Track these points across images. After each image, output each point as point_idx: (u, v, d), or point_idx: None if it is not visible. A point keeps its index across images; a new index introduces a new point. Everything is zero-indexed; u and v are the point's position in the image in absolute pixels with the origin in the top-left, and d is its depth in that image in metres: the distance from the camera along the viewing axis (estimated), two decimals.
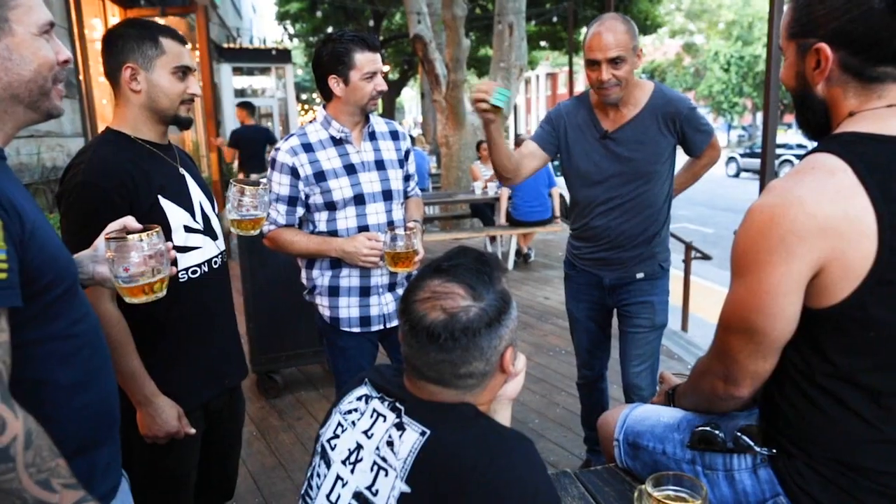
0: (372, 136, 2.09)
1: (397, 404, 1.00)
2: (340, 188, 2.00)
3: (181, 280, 1.53)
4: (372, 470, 0.96)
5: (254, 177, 6.44)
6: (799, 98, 1.13)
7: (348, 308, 2.08)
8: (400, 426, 0.96)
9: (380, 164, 2.07)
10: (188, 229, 1.55)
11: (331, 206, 2.02)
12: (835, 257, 0.99)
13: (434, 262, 1.00)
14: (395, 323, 2.13)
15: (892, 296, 1.01)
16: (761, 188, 3.61)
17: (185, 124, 1.56)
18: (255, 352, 3.59)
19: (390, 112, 21.23)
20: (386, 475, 0.93)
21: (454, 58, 8.52)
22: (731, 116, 34.11)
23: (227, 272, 1.73)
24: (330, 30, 20.95)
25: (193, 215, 1.57)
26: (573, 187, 2.27)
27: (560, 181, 11.08)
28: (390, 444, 0.95)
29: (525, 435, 0.97)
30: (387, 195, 2.08)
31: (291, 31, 21.79)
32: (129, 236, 1.12)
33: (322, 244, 2.02)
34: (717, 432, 1.29)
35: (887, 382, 1.07)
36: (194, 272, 1.56)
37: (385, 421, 0.99)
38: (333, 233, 2.04)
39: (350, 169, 2.02)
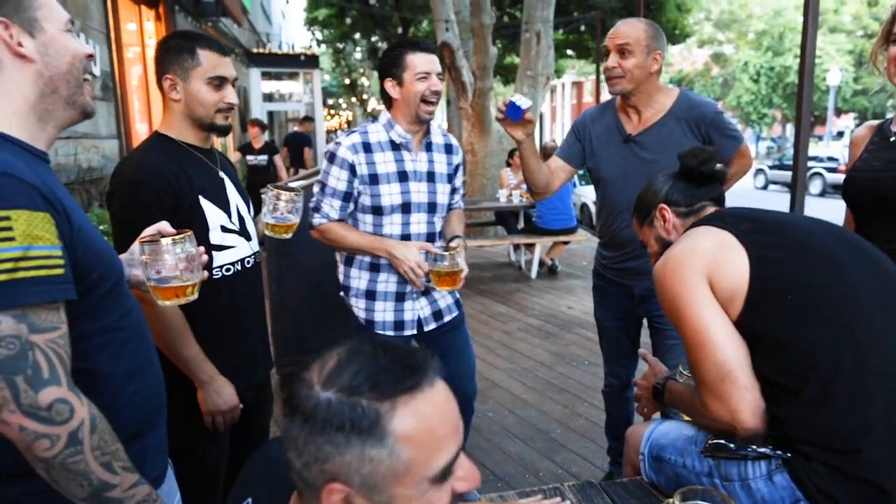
0: (428, 147, 2.12)
1: None
2: (390, 194, 2.03)
3: (215, 277, 1.59)
4: None
5: (295, 184, 6.47)
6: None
7: (384, 312, 2.13)
8: None
9: (430, 176, 2.10)
10: (224, 229, 1.62)
11: (377, 211, 2.04)
12: (717, 273, 1.25)
13: (361, 336, 0.85)
14: (431, 326, 2.19)
15: (776, 306, 1.21)
16: (792, 200, 3.57)
17: (221, 132, 1.63)
18: (279, 354, 3.63)
19: None
20: None
21: (481, 65, 8.54)
22: (759, 128, 33.61)
23: (260, 273, 1.79)
24: (357, 36, 21.16)
25: (230, 216, 1.64)
26: (600, 194, 2.27)
27: (585, 190, 10.88)
28: None
29: None
30: (431, 207, 2.12)
31: (319, 36, 22.04)
32: (162, 240, 1.16)
33: (374, 242, 2.04)
34: (729, 442, 1.29)
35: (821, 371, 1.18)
36: (228, 270, 1.63)
37: None
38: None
39: (402, 176, 2.05)
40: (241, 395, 1.71)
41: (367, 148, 2.03)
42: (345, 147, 2.01)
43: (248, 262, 1.70)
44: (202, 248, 1.24)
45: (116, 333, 1.02)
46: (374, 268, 2.10)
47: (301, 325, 3.60)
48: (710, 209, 1.49)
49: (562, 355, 4.27)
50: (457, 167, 2.22)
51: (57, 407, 0.83)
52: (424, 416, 0.70)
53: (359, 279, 2.12)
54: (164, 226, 1.23)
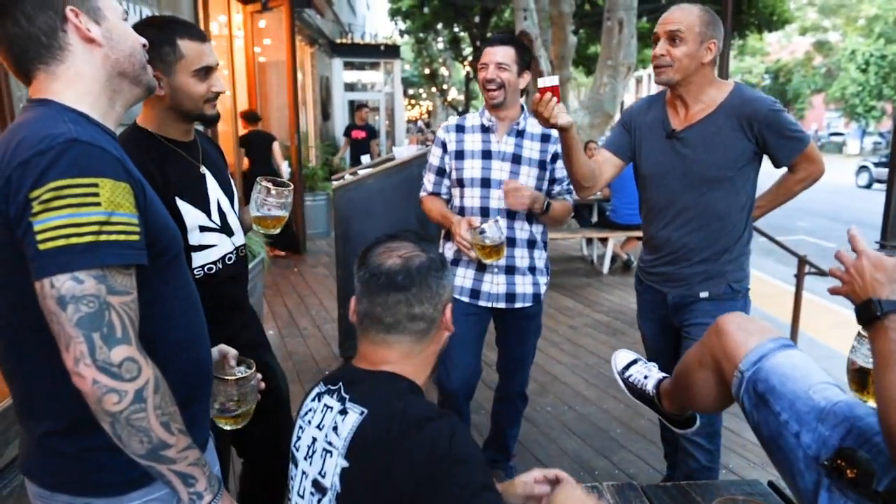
0: (520, 134, 2.25)
1: (342, 392, 1.10)
2: (472, 168, 2.24)
3: (197, 276, 1.58)
4: (321, 456, 1.06)
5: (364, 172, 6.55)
6: None
7: (463, 278, 2.30)
8: (343, 411, 1.06)
9: (516, 158, 2.24)
10: (203, 228, 1.59)
11: (461, 184, 2.27)
12: None
13: (384, 235, 1.18)
14: (500, 305, 2.30)
15: None
16: (888, 202, 3.28)
17: (210, 121, 1.60)
18: (344, 336, 3.73)
19: None
20: (331, 456, 1.04)
21: (559, 55, 8.39)
22: (866, 121, 31.21)
23: (244, 265, 1.77)
24: (439, 26, 21.29)
25: (209, 214, 1.61)
26: (640, 191, 2.14)
27: None
28: (335, 428, 1.06)
29: (449, 413, 1.05)
30: None
31: (402, 27, 22.30)
32: (227, 377, 1.26)
33: (444, 218, 2.29)
34: (865, 469, 0.99)
35: None
36: (210, 269, 1.62)
37: (332, 411, 1.09)
38: (462, 208, 2.28)
39: (486, 154, 2.25)
40: None
41: (461, 129, 2.30)
42: (441, 128, 2.35)
43: (230, 258, 1.67)
44: (259, 376, 1.32)
45: (175, 303, 1.08)
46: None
47: None
48: None
49: None
50: (555, 155, 2.28)
51: (127, 365, 0.90)
52: None
53: (451, 250, 2.33)
54: (225, 348, 1.32)
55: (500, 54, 2.15)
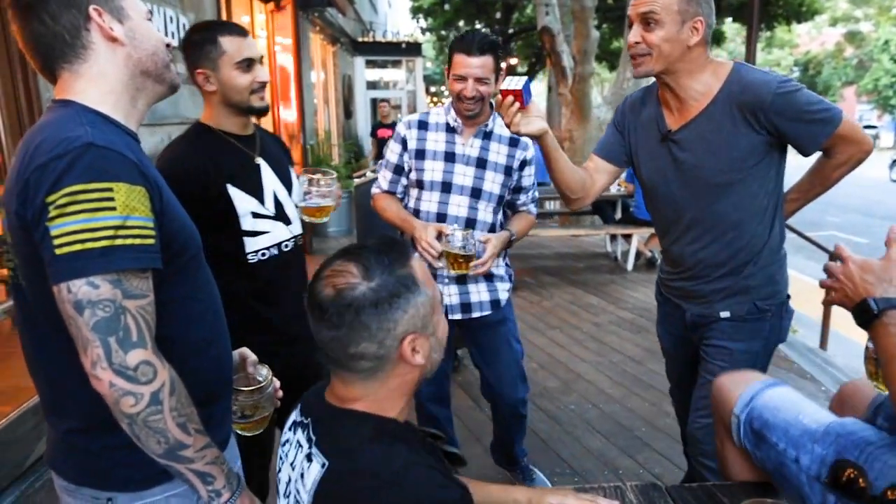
0: (487, 136, 2.11)
1: (311, 431, 1.00)
2: (433, 170, 2.10)
3: (251, 261, 1.67)
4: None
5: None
6: None
7: None
8: (309, 457, 0.97)
9: (481, 163, 2.10)
10: (256, 215, 1.68)
11: (420, 186, 2.13)
12: None
13: (347, 246, 1.04)
14: (456, 316, 2.17)
15: None
16: None
17: (260, 112, 1.68)
18: None
19: None
20: None
21: (581, 50, 8.31)
22: None
23: (300, 254, 1.84)
24: (461, 23, 21.29)
25: (263, 202, 1.69)
26: (645, 201, 1.91)
27: None
28: (302, 475, 0.97)
29: (417, 461, 0.94)
30: (475, 192, 2.10)
31: (424, 24, 22.31)
32: (242, 388, 1.27)
33: (405, 221, 2.12)
34: (859, 476, 1.04)
35: None
36: (263, 254, 1.70)
37: (302, 452, 1.00)
38: (417, 212, 2.15)
39: (449, 156, 2.10)
40: (286, 362, 1.72)
41: (423, 126, 2.14)
42: (402, 123, 2.18)
43: (287, 245, 1.75)
44: (277, 384, 1.34)
45: (195, 303, 1.08)
46: (412, 245, 2.13)
47: None
48: None
49: (653, 351, 4.09)
50: (523, 162, 2.14)
51: (142, 368, 0.91)
52: (424, 267, 1.00)
53: None
54: (248, 358, 1.33)
55: (480, 68, 1.95)
